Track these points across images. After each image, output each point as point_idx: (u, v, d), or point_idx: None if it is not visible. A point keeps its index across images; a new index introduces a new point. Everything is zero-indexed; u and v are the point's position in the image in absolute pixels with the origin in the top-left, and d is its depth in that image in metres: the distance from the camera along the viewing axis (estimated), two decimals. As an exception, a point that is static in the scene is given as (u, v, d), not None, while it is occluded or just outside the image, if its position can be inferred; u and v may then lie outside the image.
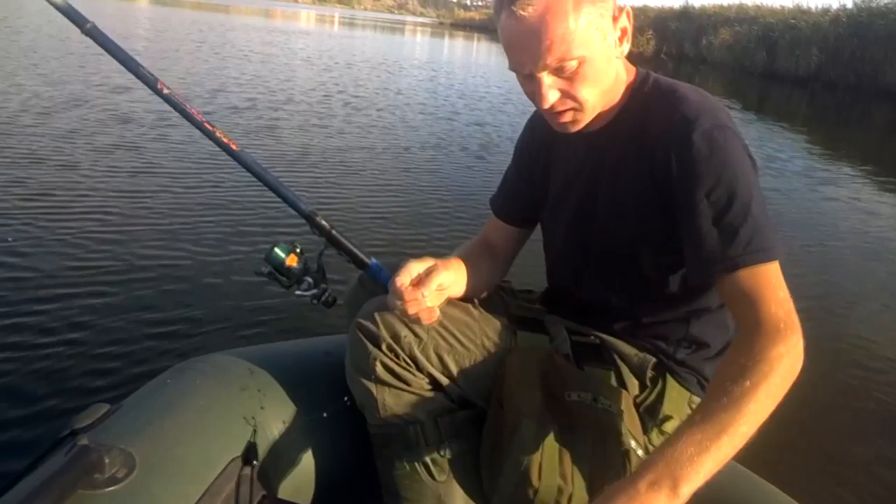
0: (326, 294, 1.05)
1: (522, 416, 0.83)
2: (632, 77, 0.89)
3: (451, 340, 0.90)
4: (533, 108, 0.92)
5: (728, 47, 20.29)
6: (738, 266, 0.75)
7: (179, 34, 12.92)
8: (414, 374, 0.89)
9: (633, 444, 0.82)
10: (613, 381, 0.90)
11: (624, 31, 0.83)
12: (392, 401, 0.90)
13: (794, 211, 4.47)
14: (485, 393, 0.92)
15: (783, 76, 17.44)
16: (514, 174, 1.08)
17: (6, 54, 7.19)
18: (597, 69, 0.80)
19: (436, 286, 0.84)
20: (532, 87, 0.82)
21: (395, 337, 0.88)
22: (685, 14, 24.66)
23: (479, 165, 4.74)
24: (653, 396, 0.91)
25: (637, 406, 0.90)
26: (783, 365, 0.70)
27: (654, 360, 0.93)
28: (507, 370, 0.90)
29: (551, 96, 0.81)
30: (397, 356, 0.88)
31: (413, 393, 0.90)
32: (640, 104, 0.87)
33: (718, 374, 0.73)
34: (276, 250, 1.00)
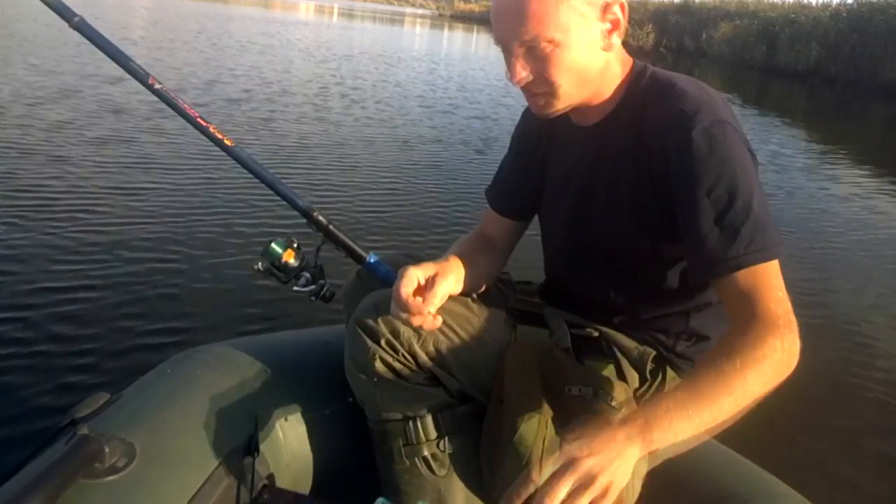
0: (324, 289, 1.05)
1: (523, 411, 0.82)
2: (629, 70, 0.88)
3: (451, 335, 0.90)
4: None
5: (728, 41, 20.22)
6: (741, 266, 0.75)
7: (176, 24, 12.83)
8: (413, 370, 0.89)
9: (633, 437, 0.82)
10: (614, 375, 0.90)
11: (615, 24, 0.81)
12: (391, 396, 0.90)
13: (793, 206, 4.47)
14: (484, 387, 0.92)
15: (783, 71, 17.40)
16: (511, 165, 1.07)
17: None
18: (573, 57, 0.80)
19: (440, 299, 0.83)
20: (508, 62, 0.83)
21: (394, 332, 0.88)
22: (685, 8, 24.58)
23: (479, 159, 4.73)
24: (653, 389, 0.91)
25: (638, 399, 0.90)
26: (776, 356, 0.71)
27: (654, 352, 0.93)
28: (507, 364, 0.90)
29: (520, 72, 0.81)
30: (396, 351, 0.88)
31: (412, 388, 0.90)
32: (637, 98, 0.86)
33: (711, 351, 0.75)
34: (274, 246, 1.00)
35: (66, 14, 0.97)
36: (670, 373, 0.93)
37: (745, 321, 0.74)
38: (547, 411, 0.84)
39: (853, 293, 3.02)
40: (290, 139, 4.61)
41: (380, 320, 0.88)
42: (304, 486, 0.99)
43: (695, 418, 0.68)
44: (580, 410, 0.84)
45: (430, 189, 3.86)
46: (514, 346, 0.93)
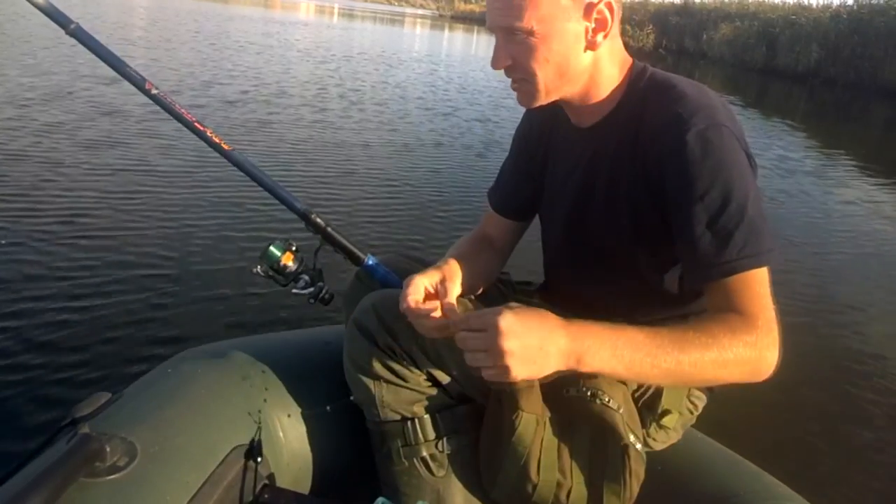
0: (323, 291, 1.05)
1: (521, 412, 0.83)
2: (627, 71, 0.88)
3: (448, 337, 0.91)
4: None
5: (728, 42, 20.23)
6: (734, 271, 0.75)
7: (175, 24, 12.81)
8: (411, 370, 0.89)
9: (631, 438, 0.83)
10: (613, 376, 0.91)
11: (601, 23, 0.82)
12: (390, 397, 0.90)
13: (794, 208, 4.47)
14: (483, 388, 0.92)
15: (783, 72, 17.41)
16: (512, 167, 1.08)
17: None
18: (551, 49, 0.81)
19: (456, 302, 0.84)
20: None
21: (393, 333, 0.88)
22: (685, 9, 24.59)
23: (478, 161, 4.73)
24: (651, 391, 0.91)
25: (636, 400, 0.91)
26: (746, 352, 0.72)
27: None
28: None
29: (500, 57, 0.83)
30: (395, 352, 0.89)
31: (411, 389, 0.90)
32: (636, 99, 0.86)
33: (689, 321, 0.76)
34: (272, 249, 1.00)
35: (62, 21, 0.97)
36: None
37: (726, 314, 0.75)
38: (545, 412, 0.85)
39: (856, 297, 3.01)
40: (289, 142, 4.59)
41: (378, 321, 0.89)
42: (304, 486, 0.99)
43: (628, 361, 0.71)
44: (578, 411, 0.85)
45: (429, 191, 3.85)
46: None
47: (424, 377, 0.91)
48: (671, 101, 0.81)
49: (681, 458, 0.95)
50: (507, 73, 0.85)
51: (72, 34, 0.98)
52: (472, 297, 0.99)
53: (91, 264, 2.34)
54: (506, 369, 0.68)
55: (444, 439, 0.91)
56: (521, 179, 1.06)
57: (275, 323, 2.10)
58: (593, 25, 0.81)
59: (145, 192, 3.18)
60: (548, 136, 1.00)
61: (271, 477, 0.91)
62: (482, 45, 20.76)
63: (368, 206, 3.42)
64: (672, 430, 0.93)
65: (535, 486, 0.82)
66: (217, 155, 1.04)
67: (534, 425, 0.83)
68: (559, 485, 0.82)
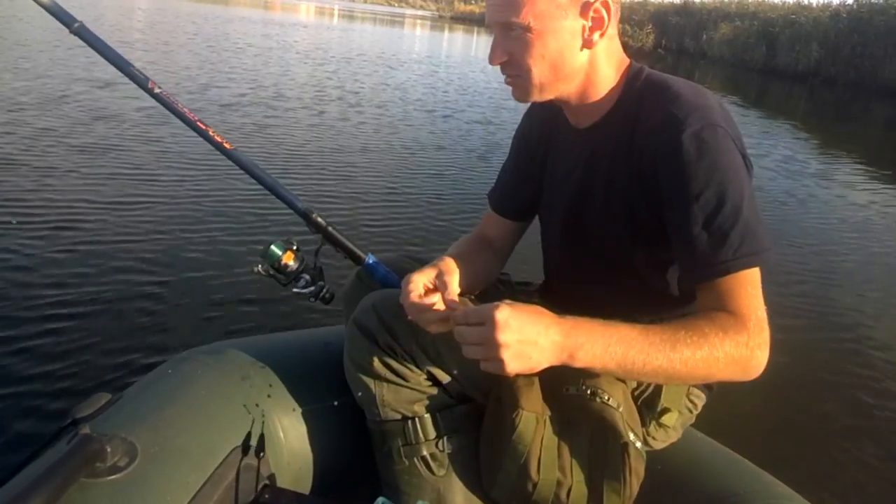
0: (324, 291, 1.05)
1: (521, 411, 0.83)
2: (624, 72, 0.89)
3: (449, 336, 0.90)
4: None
5: (728, 42, 20.24)
6: (729, 271, 0.76)
7: (174, 27, 12.82)
8: (412, 370, 0.90)
9: (631, 436, 0.83)
10: (611, 375, 0.91)
11: (597, 22, 0.82)
12: (390, 396, 0.90)
13: (793, 209, 4.47)
14: (483, 387, 0.92)
15: (783, 72, 17.42)
16: (512, 167, 1.08)
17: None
18: (546, 45, 0.81)
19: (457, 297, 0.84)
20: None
21: (393, 332, 0.88)
22: (685, 8, 24.60)
23: (479, 162, 4.73)
24: (651, 389, 0.91)
25: (635, 399, 0.91)
26: (737, 351, 0.73)
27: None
28: None
29: (497, 52, 0.84)
30: (395, 352, 0.89)
31: (411, 388, 0.90)
32: (632, 99, 0.86)
33: (681, 319, 0.76)
34: (273, 248, 1.01)
35: (66, 20, 0.98)
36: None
37: (718, 313, 0.76)
38: (545, 411, 0.85)
39: (858, 299, 3.01)
40: (289, 142, 4.60)
41: (378, 320, 0.89)
42: (305, 486, 0.99)
43: (620, 358, 0.72)
44: (578, 409, 0.85)
45: (430, 192, 3.85)
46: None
47: (425, 376, 0.91)
48: (667, 102, 0.81)
49: (680, 457, 0.95)
50: (503, 69, 0.86)
51: (76, 33, 0.99)
52: (472, 296, 0.99)
53: (91, 265, 2.34)
54: (501, 362, 0.70)
55: (445, 438, 0.91)
56: (521, 180, 1.06)
57: (275, 323, 2.10)
58: (590, 24, 0.82)
59: (145, 193, 3.18)
60: (547, 136, 1.01)
61: (272, 477, 0.91)
62: (482, 45, 20.77)
63: (369, 207, 3.43)
64: (672, 429, 0.94)
65: (535, 485, 0.83)
66: (216, 156, 1.05)
67: (534, 424, 0.83)
68: (559, 483, 0.83)
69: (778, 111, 10.64)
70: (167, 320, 2.04)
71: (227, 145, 1.05)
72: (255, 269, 1.01)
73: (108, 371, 1.75)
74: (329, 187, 3.70)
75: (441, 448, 0.91)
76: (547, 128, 1.01)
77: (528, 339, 0.70)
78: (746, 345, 0.73)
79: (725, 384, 0.89)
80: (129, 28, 11.61)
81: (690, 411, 0.96)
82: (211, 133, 1.04)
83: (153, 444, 0.80)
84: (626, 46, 0.90)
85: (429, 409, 0.91)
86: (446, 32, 29.18)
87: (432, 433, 0.91)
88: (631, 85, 0.87)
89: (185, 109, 1.04)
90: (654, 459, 0.91)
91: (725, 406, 1.09)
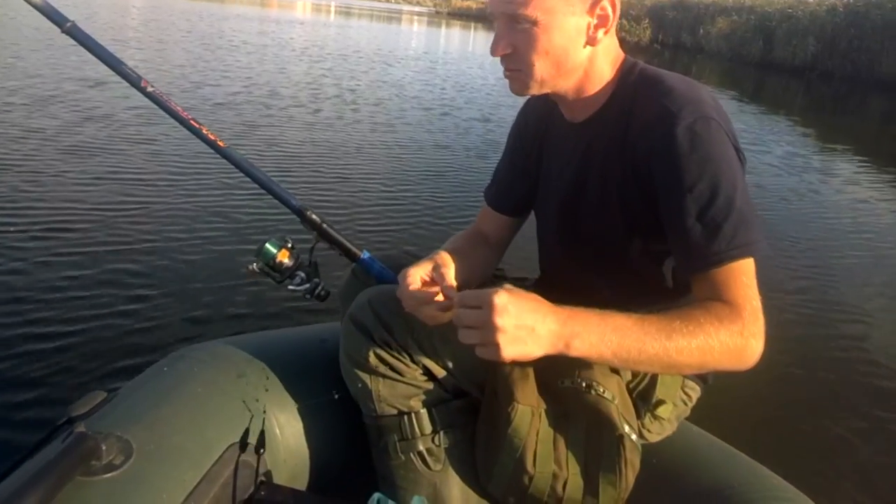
0: (319, 288, 1.05)
1: (517, 404, 0.83)
2: (619, 66, 0.89)
3: (445, 330, 0.90)
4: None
5: (725, 37, 20.23)
6: (723, 262, 0.76)
7: (168, 24, 12.76)
8: (408, 365, 0.90)
9: (626, 428, 0.83)
10: (606, 367, 0.91)
11: (602, 20, 0.82)
12: (386, 391, 0.90)
13: (792, 203, 4.48)
14: (479, 382, 0.92)
15: (780, 66, 17.42)
16: (507, 163, 1.09)
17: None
18: (551, 40, 0.81)
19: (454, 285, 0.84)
20: (494, 35, 0.85)
21: (389, 328, 0.88)
22: (682, 3, 24.56)
23: (476, 159, 4.72)
24: (646, 381, 0.92)
25: (630, 391, 0.91)
26: (732, 341, 0.73)
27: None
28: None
29: (500, 43, 0.83)
30: (391, 347, 0.89)
31: (407, 383, 0.90)
32: (626, 94, 0.86)
33: (676, 309, 0.76)
34: (268, 246, 1.01)
35: (58, 19, 0.98)
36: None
37: (713, 303, 0.76)
38: (541, 404, 0.85)
39: (854, 293, 3.01)
40: (284, 141, 4.58)
41: (374, 316, 0.89)
42: (301, 482, 0.99)
43: (617, 347, 0.72)
44: (573, 402, 0.85)
45: (426, 189, 3.85)
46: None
47: (420, 371, 0.91)
48: (660, 95, 0.81)
49: (676, 450, 0.96)
50: (504, 62, 0.85)
51: (68, 32, 0.99)
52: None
53: (87, 261, 2.35)
54: (496, 347, 0.69)
55: (441, 433, 0.91)
56: (517, 176, 1.06)
57: (271, 321, 2.10)
58: (595, 21, 0.82)
59: (137, 192, 3.17)
60: (543, 132, 1.01)
61: (268, 474, 0.91)
62: (479, 42, 20.73)
63: (364, 204, 3.42)
64: (667, 422, 0.94)
65: (531, 478, 0.83)
66: (210, 155, 1.04)
67: (529, 417, 0.83)
68: (555, 476, 0.83)
69: (775, 105, 10.64)
70: (162, 319, 2.04)
71: (220, 143, 1.04)
72: (250, 268, 1.01)
73: (103, 369, 1.76)
74: (324, 185, 3.70)
75: (437, 443, 0.91)
76: (542, 123, 1.01)
77: (525, 325, 0.69)
78: (741, 334, 0.74)
79: (721, 376, 0.89)
80: (123, 26, 11.56)
81: (685, 403, 0.97)
82: (204, 131, 1.04)
83: (149, 442, 0.80)
84: (622, 41, 0.90)
85: (425, 404, 0.91)
86: (443, 28, 29.11)
87: (428, 428, 0.91)
88: (625, 79, 0.88)
89: (178, 108, 1.03)
90: (650, 453, 0.91)
91: (720, 399, 1.09)
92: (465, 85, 8.79)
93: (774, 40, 18.29)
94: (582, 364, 0.89)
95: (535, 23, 0.79)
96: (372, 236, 2.97)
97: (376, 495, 0.81)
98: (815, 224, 4.06)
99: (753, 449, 1.00)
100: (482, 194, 1.12)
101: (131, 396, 0.89)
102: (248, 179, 1.06)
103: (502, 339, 0.69)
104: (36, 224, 2.62)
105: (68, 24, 0.98)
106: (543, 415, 0.85)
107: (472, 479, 0.92)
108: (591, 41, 0.83)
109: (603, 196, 0.89)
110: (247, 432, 0.90)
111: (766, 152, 6.00)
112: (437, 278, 0.84)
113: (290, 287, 1.04)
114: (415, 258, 1.02)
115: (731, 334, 0.73)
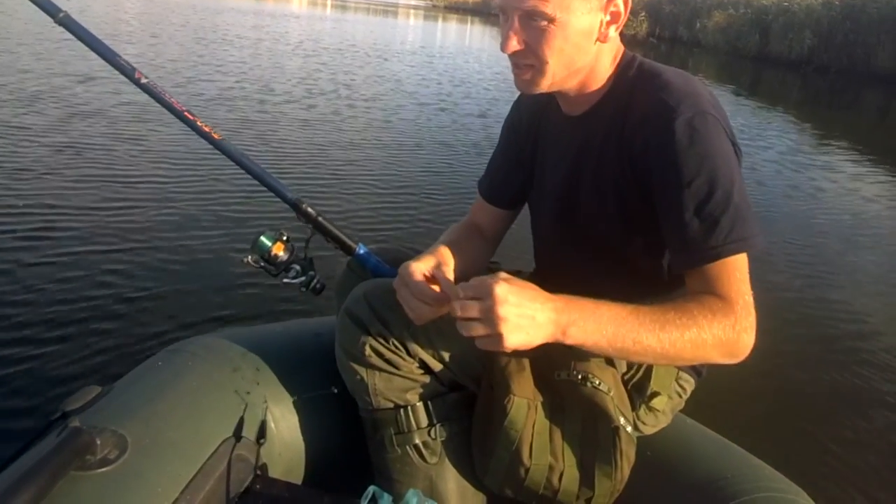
0: (315, 281, 1.05)
1: (513, 397, 0.83)
2: (618, 61, 0.88)
3: (440, 323, 0.90)
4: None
5: (721, 30, 20.20)
6: (720, 256, 0.76)
7: (164, 18, 12.65)
8: (404, 358, 0.90)
9: (622, 420, 0.84)
10: (602, 360, 0.91)
11: (615, 16, 0.82)
12: (382, 385, 0.90)
13: (784, 197, 4.49)
14: (475, 375, 0.92)
15: (776, 59, 17.41)
16: (501, 156, 1.08)
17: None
18: (567, 38, 0.80)
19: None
20: (504, 30, 0.83)
21: (385, 321, 0.88)
22: (679, -3, 24.47)
23: (473, 154, 4.70)
24: (641, 373, 0.92)
25: (625, 383, 0.91)
26: (724, 334, 0.74)
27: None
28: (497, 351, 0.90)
29: (513, 39, 0.81)
30: (387, 340, 0.89)
31: (403, 377, 0.90)
32: (624, 88, 0.86)
33: (670, 301, 0.77)
34: (263, 239, 1.00)
35: (50, 10, 0.97)
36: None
37: (706, 296, 0.77)
38: (537, 396, 0.85)
39: (847, 286, 3.02)
40: (279, 134, 4.56)
41: (370, 309, 0.89)
42: (296, 476, 0.99)
43: (611, 335, 0.72)
44: (569, 394, 0.85)
45: (421, 182, 3.84)
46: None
47: (416, 365, 0.91)
48: (657, 90, 0.81)
49: (670, 442, 0.96)
50: (515, 58, 0.83)
51: (60, 23, 0.98)
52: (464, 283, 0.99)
53: (81, 254, 2.34)
54: (499, 336, 0.69)
55: (437, 426, 0.91)
56: (511, 169, 1.06)
57: (266, 314, 2.09)
58: (608, 18, 0.82)
59: (131, 186, 3.15)
60: (537, 125, 1.00)
61: (263, 468, 0.91)
62: (476, 35, 20.66)
63: (360, 197, 3.42)
64: (661, 414, 0.94)
65: (527, 470, 0.83)
66: (204, 147, 1.04)
67: (525, 409, 0.83)
68: (551, 468, 0.83)
69: (772, 99, 10.64)
70: (156, 313, 2.04)
71: (215, 135, 1.04)
72: (245, 260, 1.01)
73: (97, 364, 1.75)
74: (320, 178, 3.69)
75: (433, 436, 0.91)
76: (537, 116, 1.00)
77: (527, 313, 0.70)
78: (733, 328, 0.74)
79: (715, 369, 0.90)
80: (117, 19, 11.46)
81: (680, 396, 0.97)
82: (199, 123, 1.03)
83: (143, 437, 0.80)
84: (619, 35, 0.89)
85: (421, 397, 0.92)
86: (440, 22, 28.98)
87: (424, 421, 0.91)
88: (624, 74, 0.87)
89: (173, 100, 1.03)
90: (644, 445, 0.92)
91: (714, 392, 1.10)
92: (462, 79, 8.75)
93: (771, 34, 18.27)
94: (578, 356, 0.89)
95: (552, 20, 0.78)
96: (368, 230, 2.97)
97: (372, 488, 0.81)
98: (812, 219, 4.07)
99: (747, 440, 1.01)
100: (476, 185, 1.12)
101: (126, 391, 0.89)
102: (242, 172, 1.06)
103: (505, 329, 0.69)
104: (30, 216, 2.61)
105: (61, 15, 0.97)
106: (539, 407, 0.85)
107: (469, 471, 0.92)
108: (601, 38, 0.83)
109: (599, 189, 0.89)
110: (242, 426, 0.90)
111: (764, 148, 6.00)
112: (437, 275, 0.84)
113: (286, 280, 1.03)
114: (411, 251, 1.02)
115: (724, 328, 0.74)
